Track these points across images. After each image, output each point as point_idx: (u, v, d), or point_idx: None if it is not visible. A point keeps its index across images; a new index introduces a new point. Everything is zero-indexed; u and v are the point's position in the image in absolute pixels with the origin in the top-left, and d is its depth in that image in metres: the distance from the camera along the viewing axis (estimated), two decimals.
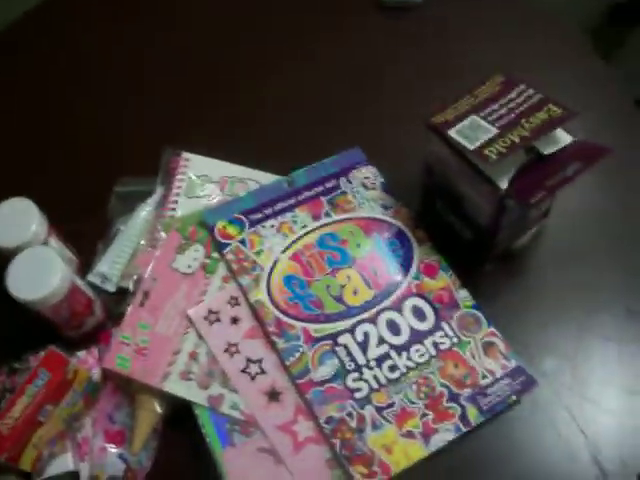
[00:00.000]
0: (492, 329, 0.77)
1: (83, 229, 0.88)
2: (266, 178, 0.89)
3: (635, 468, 0.73)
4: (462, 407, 0.73)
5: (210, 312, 0.78)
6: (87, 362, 0.79)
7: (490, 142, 0.71)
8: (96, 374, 0.79)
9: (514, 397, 0.74)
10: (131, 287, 0.84)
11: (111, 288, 0.86)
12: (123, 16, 1.12)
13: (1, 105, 1.05)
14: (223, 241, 0.82)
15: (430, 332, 0.77)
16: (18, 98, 1.05)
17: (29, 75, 1.08)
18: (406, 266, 0.80)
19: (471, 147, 0.71)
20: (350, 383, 0.74)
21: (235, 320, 0.78)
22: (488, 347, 0.76)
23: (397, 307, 0.78)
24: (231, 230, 0.82)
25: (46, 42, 1.11)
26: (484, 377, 0.75)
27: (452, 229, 0.84)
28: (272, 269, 0.80)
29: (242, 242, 0.82)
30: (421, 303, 0.78)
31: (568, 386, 0.77)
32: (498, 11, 1.05)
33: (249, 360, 0.76)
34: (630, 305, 0.81)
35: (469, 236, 0.81)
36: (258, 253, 0.81)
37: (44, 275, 0.74)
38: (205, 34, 1.08)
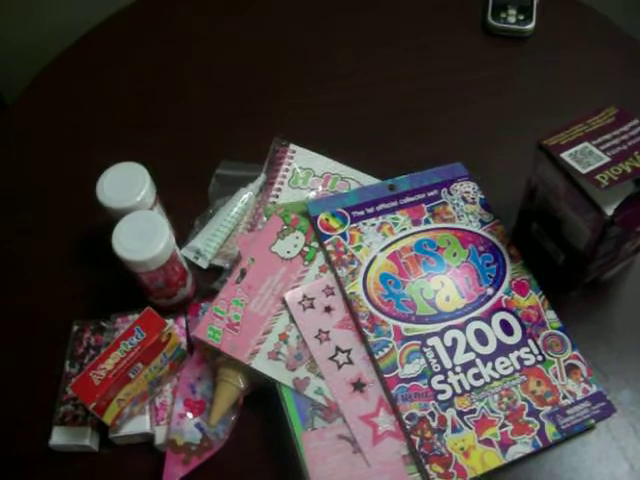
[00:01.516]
0: (576, 352, 0.79)
1: (182, 204, 0.91)
2: (366, 179, 0.92)
3: None
4: (541, 423, 0.75)
5: (305, 298, 0.80)
6: (174, 330, 0.81)
7: (602, 169, 0.73)
8: (182, 343, 0.81)
9: (592, 421, 0.75)
10: (227, 265, 0.86)
11: (203, 264, 0.88)
12: (227, 8, 1.17)
13: (125, 74, 1.10)
14: (325, 232, 0.84)
15: (516, 347, 0.78)
16: (137, 70, 1.10)
17: (152, 47, 1.13)
18: (498, 281, 0.82)
19: (583, 171, 0.73)
20: (435, 384, 0.76)
21: (328, 309, 0.80)
22: (571, 369, 0.78)
23: (486, 319, 0.80)
24: (333, 223, 0.84)
25: (171, 23, 1.16)
26: (565, 397, 0.76)
27: (544, 252, 0.85)
28: (369, 265, 0.82)
29: (343, 236, 0.84)
30: (510, 318, 0.80)
31: None
32: (609, 48, 1.08)
33: (338, 349, 0.78)
34: None
35: (562, 260, 0.83)
36: (357, 248, 0.83)
37: (150, 238, 0.76)
38: (327, 33, 1.13)
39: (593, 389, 0.77)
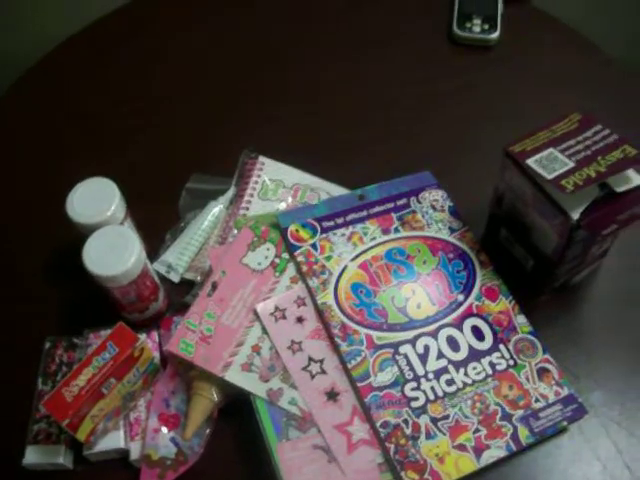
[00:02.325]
0: (547, 356, 0.79)
1: (152, 218, 0.91)
2: (336, 190, 0.92)
3: None
4: (514, 427, 0.75)
5: (277, 309, 0.80)
6: (147, 345, 0.81)
7: (567, 174, 0.74)
8: (155, 358, 0.81)
9: (565, 423, 0.76)
10: (199, 278, 0.86)
11: (175, 278, 0.88)
12: (203, 17, 1.17)
13: (93, 89, 1.10)
14: (295, 243, 0.84)
15: (488, 352, 0.79)
16: (104, 84, 1.10)
17: (121, 62, 1.13)
18: (468, 287, 0.83)
19: (549, 177, 0.74)
20: (408, 392, 0.76)
21: (300, 319, 0.80)
22: (542, 373, 0.78)
23: (458, 325, 0.80)
24: (303, 234, 0.85)
25: (139, 37, 1.16)
26: (537, 401, 0.77)
27: (513, 258, 0.86)
28: (340, 275, 0.82)
29: (313, 246, 0.84)
30: (481, 324, 0.81)
31: (616, 421, 0.79)
32: (572, 56, 1.10)
33: (311, 359, 0.78)
34: None
35: (531, 266, 0.84)
36: (328, 258, 0.83)
37: (121, 253, 0.76)
38: (294, 42, 1.13)
39: (565, 392, 0.78)
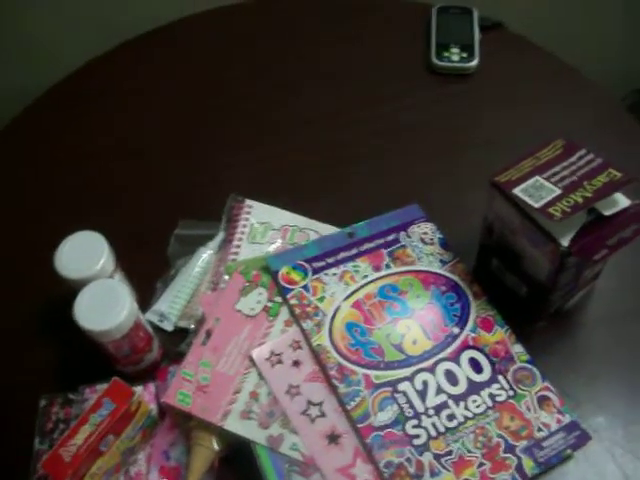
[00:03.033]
0: (547, 384, 0.79)
1: (142, 268, 0.90)
2: (324, 229, 0.92)
3: None
4: (518, 458, 0.75)
5: (272, 354, 0.80)
6: (143, 398, 0.80)
7: (554, 201, 0.74)
8: (153, 410, 0.80)
9: (569, 451, 0.75)
10: (192, 326, 0.86)
11: (169, 327, 0.87)
12: (186, 62, 1.18)
13: (75, 140, 1.09)
14: (287, 286, 0.84)
15: (487, 384, 0.79)
16: (89, 135, 1.10)
17: (97, 115, 1.12)
18: (463, 319, 0.83)
19: (536, 205, 0.74)
20: (409, 429, 0.76)
21: (297, 363, 0.79)
22: (543, 401, 0.78)
23: (455, 358, 0.80)
24: (295, 276, 0.85)
25: (109, 88, 1.16)
26: (539, 430, 0.76)
27: (506, 287, 0.86)
28: (334, 315, 0.82)
29: (305, 288, 0.84)
30: (478, 355, 0.80)
31: (620, 444, 0.78)
32: (551, 80, 1.10)
33: (310, 402, 0.77)
34: None
35: (524, 293, 0.84)
36: (321, 299, 0.83)
37: (112, 307, 0.76)
38: (267, 83, 1.14)
39: (567, 419, 0.77)
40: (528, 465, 0.74)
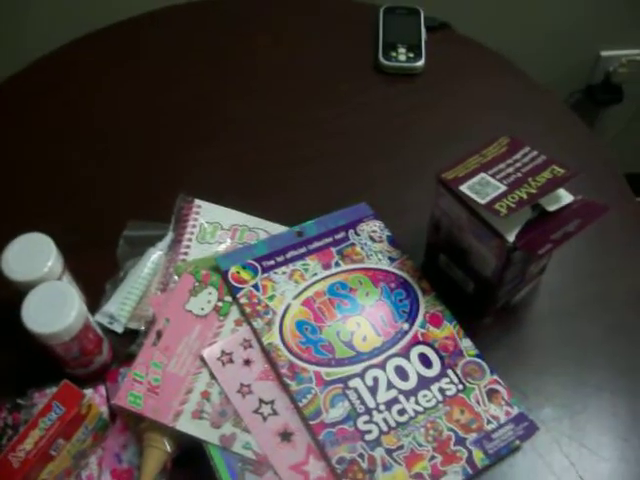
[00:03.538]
0: (495, 377, 0.80)
1: (90, 270, 0.89)
2: (274, 228, 0.92)
3: None
4: (469, 450, 0.76)
5: (223, 353, 0.80)
6: (94, 400, 0.80)
7: (500, 198, 0.76)
8: (104, 412, 0.80)
9: (518, 442, 0.77)
10: (143, 327, 0.85)
11: (118, 329, 0.87)
12: (138, 60, 1.17)
13: (19, 143, 1.07)
14: (236, 285, 0.84)
15: (436, 378, 0.80)
16: (34, 137, 1.08)
17: (47, 113, 1.11)
18: (412, 315, 0.84)
19: (482, 202, 0.76)
20: (361, 425, 0.76)
21: (248, 362, 0.80)
22: (492, 394, 0.79)
23: (405, 354, 0.81)
24: (245, 275, 0.85)
25: (61, 85, 1.14)
26: (489, 422, 0.78)
27: (454, 282, 0.87)
28: (284, 314, 0.82)
29: (255, 287, 0.84)
30: (427, 351, 0.81)
31: (567, 434, 0.80)
32: (497, 79, 1.12)
33: (262, 401, 0.77)
34: (617, 357, 0.85)
35: (471, 289, 0.85)
36: (271, 298, 0.83)
37: (61, 309, 0.75)
38: (218, 83, 1.13)
39: (515, 411, 0.79)
40: (478, 457, 0.76)
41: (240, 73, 1.14)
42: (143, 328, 0.85)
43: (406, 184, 1.00)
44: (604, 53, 1.66)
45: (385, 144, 1.04)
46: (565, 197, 0.78)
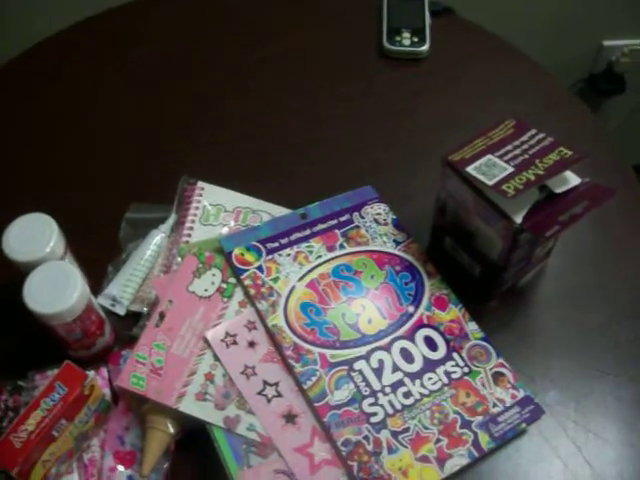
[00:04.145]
0: (501, 360, 0.80)
1: (93, 252, 0.88)
2: (277, 210, 0.91)
3: None
4: (474, 433, 0.75)
5: (227, 335, 0.79)
6: (96, 382, 0.79)
7: (507, 179, 0.75)
8: (106, 395, 0.79)
9: (524, 425, 0.76)
10: (145, 309, 0.85)
11: (121, 311, 0.86)
12: (141, 44, 1.16)
13: (25, 124, 1.07)
14: (241, 267, 0.83)
15: (442, 361, 0.79)
16: (40, 119, 1.07)
17: (50, 96, 1.10)
18: (417, 298, 0.83)
19: (489, 183, 0.75)
20: (366, 408, 0.76)
21: (252, 344, 0.79)
22: (498, 377, 0.79)
23: (410, 337, 0.80)
24: (249, 257, 0.84)
25: (65, 67, 1.13)
26: (495, 405, 0.77)
27: (459, 265, 0.87)
28: (289, 296, 0.82)
29: (259, 269, 0.83)
30: (433, 334, 0.81)
31: (572, 418, 0.79)
32: (501, 63, 1.12)
33: (266, 383, 0.77)
34: (621, 343, 0.85)
35: (477, 272, 0.84)
36: (275, 280, 0.83)
37: (63, 289, 0.74)
38: (220, 65, 1.13)
39: (521, 394, 0.78)
40: (484, 440, 0.75)
41: (246, 59, 1.13)
42: (146, 310, 0.85)
43: (411, 169, 0.99)
44: (606, 43, 1.65)
45: (390, 129, 1.04)
46: (572, 179, 0.78)
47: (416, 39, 1.10)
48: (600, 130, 1.04)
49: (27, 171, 1.01)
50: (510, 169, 0.76)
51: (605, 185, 0.77)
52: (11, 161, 1.03)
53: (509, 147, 0.79)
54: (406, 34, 1.10)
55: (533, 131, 0.81)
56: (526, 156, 0.78)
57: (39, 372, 0.81)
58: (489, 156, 0.78)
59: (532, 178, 0.75)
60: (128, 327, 0.85)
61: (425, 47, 1.09)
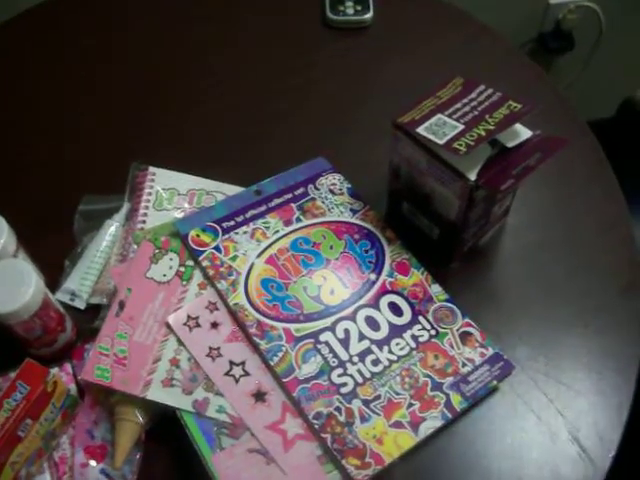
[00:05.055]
0: (467, 320, 0.79)
1: (47, 248, 0.86)
2: (232, 190, 0.90)
3: (610, 442, 0.75)
4: (446, 395, 0.75)
5: (189, 318, 0.78)
6: (60, 379, 0.77)
7: (458, 136, 0.74)
8: (72, 390, 0.77)
9: (495, 382, 0.76)
10: (105, 301, 0.83)
11: (81, 305, 0.84)
12: (87, 29, 1.14)
13: None
14: (197, 249, 0.82)
15: (408, 326, 0.79)
16: None
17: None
18: (379, 265, 0.82)
19: (440, 142, 0.74)
20: (335, 379, 0.75)
21: (215, 325, 0.78)
22: (465, 337, 0.78)
23: (374, 304, 0.80)
24: (205, 238, 0.83)
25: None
26: (464, 365, 0.77)
27: (419, 229, 0.86)
28: (248, 273, 0.80)
29: (217, 249, 0.82)
30: (397, 299, 0.80)
31: (543, 372, 0.79)
32: (446, 27, 1.11)
33: (232, 363, 0.76)
34: (585, 295, 0.85)
35: (437, 234, 0.84)
36: (233, 259, 0.81)
37: (17, 286, 0.72)
38: (168, 46, 1.11)
39: (490, 352, 0.78)
40: (456, 400, 0.75)
41: (192, 35, 1.11)
42: (105, 301, 0.83)
43: (363, 137, 0.98)
44: (553, 1, 1.65)
45: (338, 99, 1.03)
46: (524, 133, 0.77)
47: (359, 7, 1.09)
48: (552, 86, 1.04)
49: None
50: (460, 127, 0.75)
51: (557, 135, 0.77)
52: None
53: (458, 105, 0.78)
54: (349, 3, 1.09)
55: (482, 87, 0.80)
56: (476, 112, 0.77)
57: (1, 375, 0.79)
58: (439, 115, 0.77)
59: (483, 134, 0.74)
60: (89, 320, 0.83)
61: (369, 15, 1.08)
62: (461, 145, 0.73)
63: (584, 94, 1.70)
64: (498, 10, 1.55)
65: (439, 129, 0.76)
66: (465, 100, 0.79)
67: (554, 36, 1.70)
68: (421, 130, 0.76)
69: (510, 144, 0.76)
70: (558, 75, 1.82)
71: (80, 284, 0.85)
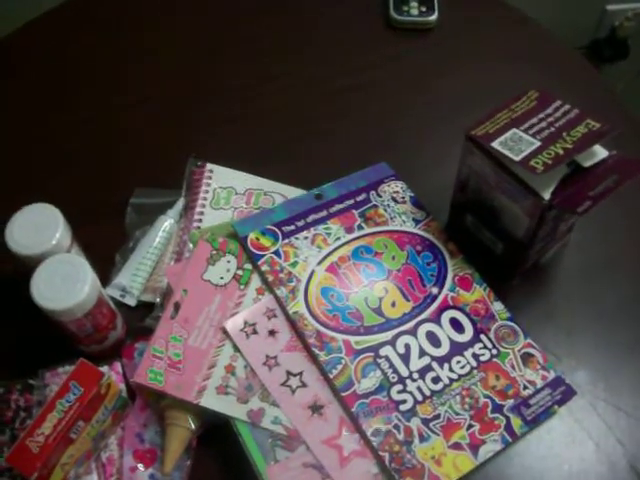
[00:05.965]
0: (529, 340, 0.77)
1: (98, 241, 0.85)
2: (289, 191, 0.88)
3: None
4: (507, 418, 0.73)
5: (246, 324, 0.76)
6: (111, 378, 0.76)
7: (534, 154, 0.72)
8: (122, 390, 0.76)
9: (556, 407, 0.74)
10: (158, 300, 0.81)
11: (131, 302, 0.83)
12: (140, 25, 1.12)
13: (21, 109, 1.02)
14: (257, 252, 0.80)
15: (469, 344, 0.77)
16: (36, 103, 1.03)
17: (46, 79, 1.05)
18: (441, 279, 0.80)
19: (516, 158, 0.72)
20: (395, 395, 0.73)
21: (273, 333, 0.76)
22: (527, 358, 0.76)
23: (435, 319, 0.78)
24: (264, 241, 0.81)
25: (61, 45, 1.09)
26: (525, 388, 0.75)
27: (480, 243, 0.84)
28: (309, 281, 0.79)
29: (276, 253, 0.80)
30: (459, 315, 0.78)
31: (602, 397, 0.77)
32: (511, 31, 1.09)
33: (289, 373, 0.74)
34: None
35: (500, 250, 0.82)
36: (293, 264, 0.79)
37: (73, 283, 0.71)
38: (229, 44, 1.09)
39: (551, 375, 0.76)
40: (517, 424, 0.73)
41: (247, 35, 1.09)
42: (158, 300, 0.81)
43: (426, 143, 0.96)
44: (610, 7, 1.62)
45: (402, 102, 1.00)
46: (600, 152, 0.75)
47: (424, 8, 1.06)
48: (620, 104, 1.01)
49: (25, 160, 0.97)
50: (537, 143, 0.73)
51: (632, 157, 0.74)
52: (10, 150, 0.98)
53: (534, 120, 0.76)
54: (414, 3, 1.07)
55: (558, 103, 0.77)
56: (552, 129, 0.75)
57: (50, 370, 0.77)
58: (514, 130, 0.75)
59: (561, 152, 0.72)
60: (140, 318, 0.82)
61: (434, 17, 1.06)
62: (538, 163, 0.71)
63: (635, 104, 1.67)
64: (553, 15, 1.52)
65: (515, 145, 0.73)
66: (541, 115, 0.76)
67: (609, 43, 1.67)
68: (496, 145, 0.74)
69: (587, 164, 0.74)
70: (609, 83, 1.79)
71: (131, 280, 0.83)
